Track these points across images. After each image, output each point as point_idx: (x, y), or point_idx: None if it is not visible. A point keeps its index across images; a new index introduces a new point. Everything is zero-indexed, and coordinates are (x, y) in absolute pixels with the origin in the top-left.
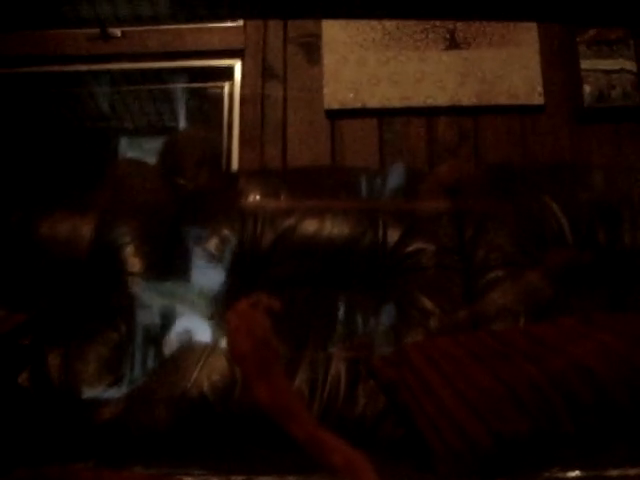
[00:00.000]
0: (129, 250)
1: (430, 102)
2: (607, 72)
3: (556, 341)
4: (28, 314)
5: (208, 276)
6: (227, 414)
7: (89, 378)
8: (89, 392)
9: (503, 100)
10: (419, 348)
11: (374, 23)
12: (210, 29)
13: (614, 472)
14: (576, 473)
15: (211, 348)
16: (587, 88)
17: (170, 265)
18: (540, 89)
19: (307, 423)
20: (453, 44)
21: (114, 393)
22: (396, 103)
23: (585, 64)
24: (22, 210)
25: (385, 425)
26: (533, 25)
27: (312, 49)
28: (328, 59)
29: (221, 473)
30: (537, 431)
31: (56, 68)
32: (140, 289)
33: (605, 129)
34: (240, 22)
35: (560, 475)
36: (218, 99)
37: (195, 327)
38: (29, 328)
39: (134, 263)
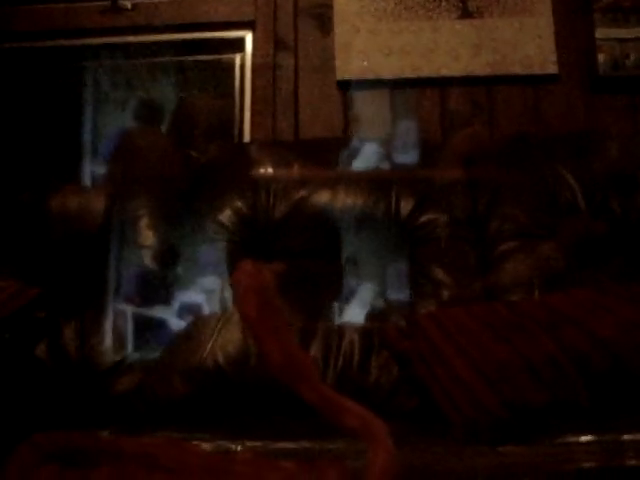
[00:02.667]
0: (142, 223)
1: (443, 72)
2: (622, 40)
3: (571, 312)
4: (42, 288)
5: (221, 248)
6: (242, 384)
7: (105, 350)
8: (105, 364)
9: (517, 70)
10: (433, 318)
11: None
12: (220, 0)
13: (627, 437)
14: (589, 438)
15: (225, 319)
16: (601, 57)
17: (183, 237)
18: (554, 58)
19: (319, 385)
20: (466, 13)
21: (130, 364)
22: (408, 73)
23: (600, 32)
24: (34, 185)
25: (399, 395)
26: None
27: (323, 19)
28: (339, 29)
29: (237, 439)
30: (552, 401)
31: (67, 42)
32: (153, 261)
33: (619, 98)
34: None
35: (573, 440)
36: (229, 70)
37: (208, 298)
38: (44, 301)
39: (147, 235)
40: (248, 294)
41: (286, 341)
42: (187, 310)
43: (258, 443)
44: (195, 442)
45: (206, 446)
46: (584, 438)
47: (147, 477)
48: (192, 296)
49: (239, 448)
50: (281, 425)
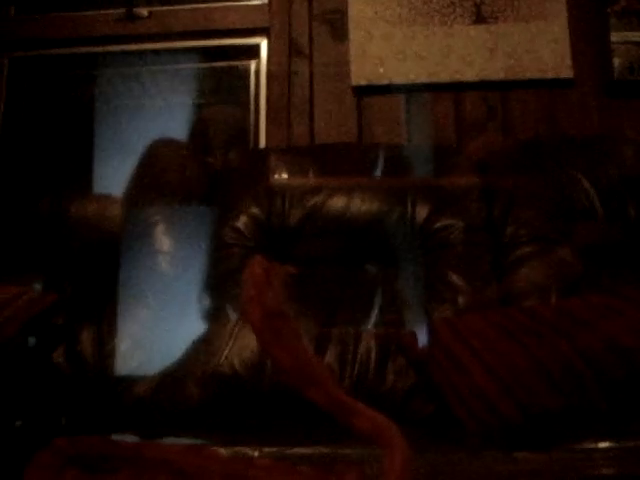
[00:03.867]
0: (158, 229)
1: (457, 77)
2: (637, 44)
3: (587, 317)
4: (60, 294)
5: (236, 254)
6: (258, 390)
7: (121, 356)
8: (122, 369)
9: (531, 74)
10: (448, 324)
11: None
12: (235, 7)
13: None
14: (607, 444)
15: (241, 325)
16: (617, 60)
17: (199, 243)
18: (569, 62)
19: (331, 388)
20: (480, 18)
21: (146, 370)
22: (423, 79)
23: (615, 36)
24: (53, 192)
25: (415, 401)
26: None
27: (338, 25)
28: (354, 35)
29: (254, 445)
30: (568, 407)
31: (83, 50)
32: (170, 267)
33: (635, 102)
34: (265, 0)
35: (591, 446)
36: (245, 77)
37: (224, 304)
38: (62, 307)
39: (164, 242)
40: (254, 301)
41: (295, 345)
42: (203, 316)
43: (275, 449)
44: (213, 448)
45: (223, 452)
46: (602, 444)
47: None
48: (208, 302)
49: (256, 454)
50: (298, 431)
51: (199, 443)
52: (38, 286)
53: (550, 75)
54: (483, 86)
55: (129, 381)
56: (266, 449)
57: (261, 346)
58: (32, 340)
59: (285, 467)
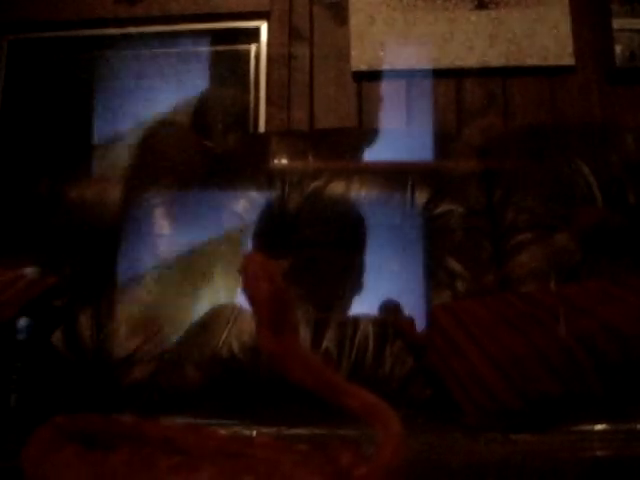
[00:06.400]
0: (158, 212)
1: (458, 63)
2: (639, 31)
3: (585, 303)
4: (60, 276)
5: (236, 238)
6: (256, 373)
7: (120, 338)
8: (120, 352)
9: (532, 61)
10: (447, 310)
11: None
12: None
13: None
14: (604, 427)
15: (240, 308)
16: (618, 48)
17: (198, 227)
18: (570, 49)
19: (319, 369)
20: (481, 4)
21: (145, 353)
22: (424, 64)
23: (617, 23)
24: (51, 174)
25: (413, 385)
26: None
27: (339, 10)
28: (355, 20)
29: (252, 426)
30: (567, 393)
31: (82, 32)
32: (169, 250)
33: (636, 89)
34: None
35: (588, 428)
36: (245, 61)
37: (223, 288)
38: (61, 290)
39: (163, 225)
40: (260, 279)
41: (285, 329)
42: (202, 299)
43: (273, 429)
44: (212, 427)
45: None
46: (599, 427)
47: (166, 460)
48: (206, 286)
49: (254, 434)
50: (295, 412)
51: (197, 424)
52: (38, 268)
53: (551, 62)
54: (484, 72)
55: (128, 364)
56: (264, 430)
57: (256, 324)
58: (31, 322)
59: (283, 445)
